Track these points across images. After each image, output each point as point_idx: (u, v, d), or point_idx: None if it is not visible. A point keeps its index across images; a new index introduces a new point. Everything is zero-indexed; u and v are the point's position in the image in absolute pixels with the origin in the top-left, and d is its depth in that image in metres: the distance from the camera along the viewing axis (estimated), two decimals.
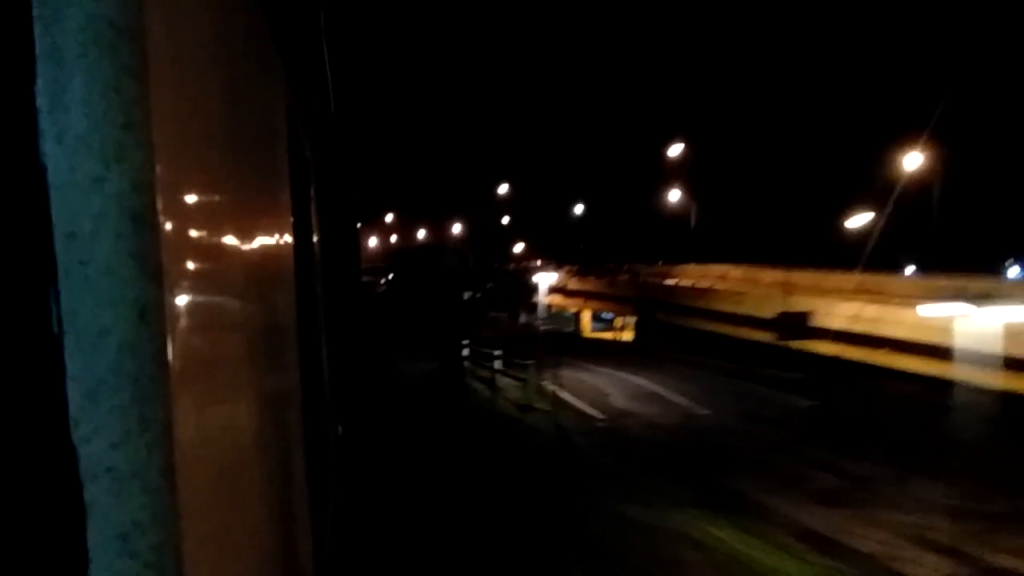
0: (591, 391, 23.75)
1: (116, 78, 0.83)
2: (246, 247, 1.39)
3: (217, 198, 1.16)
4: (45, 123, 0.82)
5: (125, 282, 0.84)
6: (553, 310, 54.16)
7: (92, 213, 0.82)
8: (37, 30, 0.82)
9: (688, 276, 43.24)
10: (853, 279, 29.88)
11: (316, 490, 2.88)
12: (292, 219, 2.52)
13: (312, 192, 3.90)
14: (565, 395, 22.22)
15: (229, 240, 1.23)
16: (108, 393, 0.84)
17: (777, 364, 28.13)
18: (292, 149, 2.60)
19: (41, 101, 0.82)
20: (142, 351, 0.85)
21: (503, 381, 25.07)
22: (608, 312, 55.08)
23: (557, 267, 51.42)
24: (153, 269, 0.85)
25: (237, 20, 1.48)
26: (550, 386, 22.80)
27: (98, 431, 0.84)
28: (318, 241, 4.17)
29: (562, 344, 35.61)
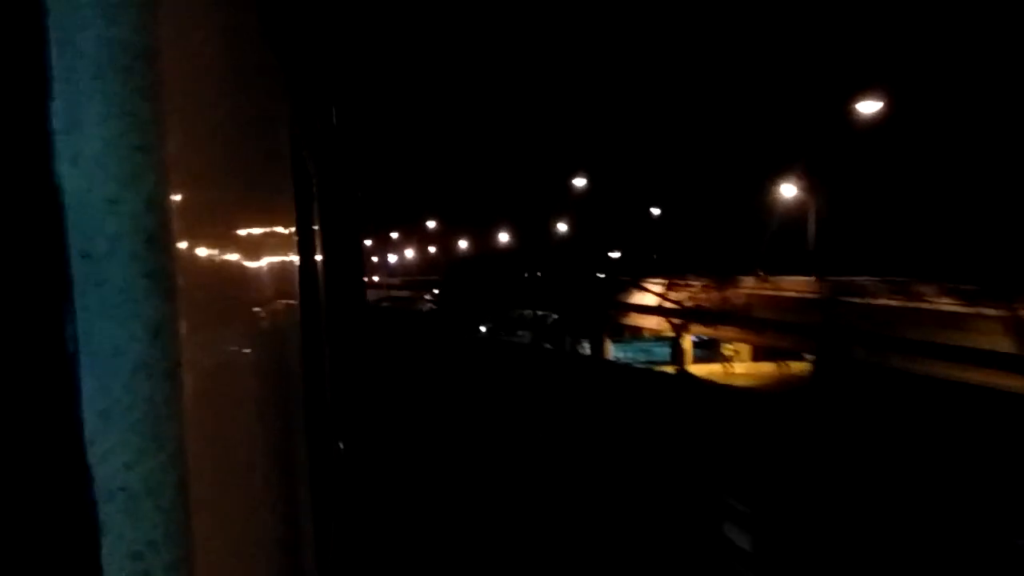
0: None
1: (131, 100, 0.84)
2: (254, 266, 1.40)
3: (226, 218, 1.17)
4: (61, 144, 0.83)
5: (139, 302, 0.84)
6: (646, 334, 43.43)
7: (107, 234, 0.83)
8: (53, 52, 0.83)
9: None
10: None
11: (319, 507, 2.87)
12: (296, 237, 2.53)
13: (315, 208, 3.91)
14: None
15: (238, 259, 1.23)
16: (122, 413, 0.84)
17: None
18: (295, 165, 2.62)
19: (56, 123, 0.83)
20: (156, 370, 0.85)
21: None
22: (720, 340, 40.63)
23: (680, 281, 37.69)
24: (167, 289, 0.86)
25: (242, 38, 1.50)
26: None
27: (112, 451, 0.84)
28: (322, 258, 4.18)
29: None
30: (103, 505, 0.84)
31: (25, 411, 0.84)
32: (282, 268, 1.96)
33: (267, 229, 1.71)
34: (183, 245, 0.91)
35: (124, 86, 0.84)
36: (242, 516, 1.14)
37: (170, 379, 0.86)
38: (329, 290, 4.95)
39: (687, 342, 42.21)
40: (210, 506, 0.96)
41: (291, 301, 2.19)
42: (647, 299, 39.74)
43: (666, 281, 38.10)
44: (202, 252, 1.01)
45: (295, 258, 2.43)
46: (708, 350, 44.30)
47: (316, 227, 4.00)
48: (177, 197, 0.89)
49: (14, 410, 0.84)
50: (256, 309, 1.39)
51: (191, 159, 0.98)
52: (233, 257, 1.20)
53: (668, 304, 36.16)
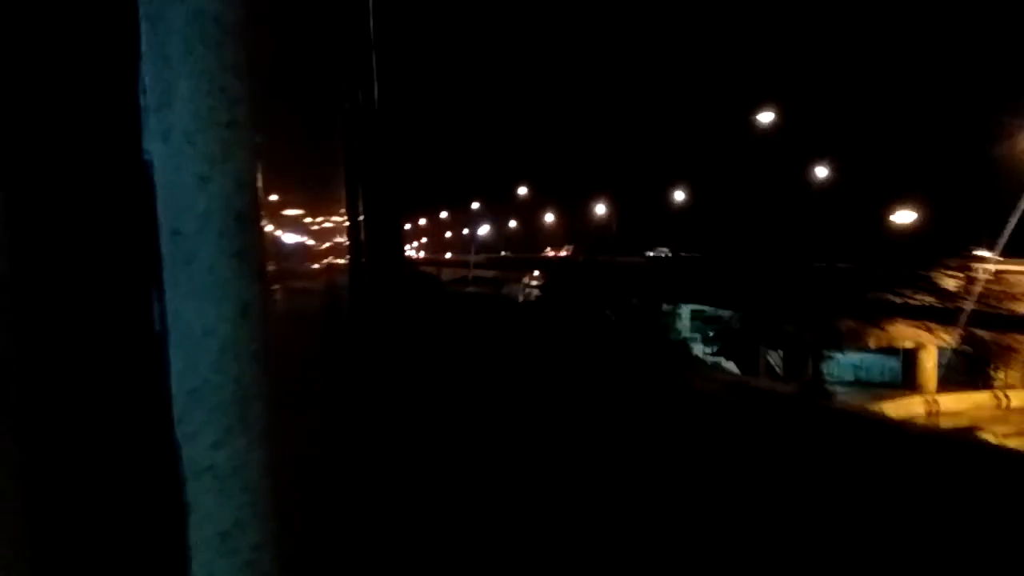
0: None
1: (222, 76, 0.83)
2: (323, 244, 1.40)
3: (303, 197, 1.16)
4: (151, 121, 0.82)
5: (228, 281, 0.84)
6: (874, 344, 27.06)
7: (197, 212, 0.82)
8: (143, 28, 0.82)
9: None
10: None
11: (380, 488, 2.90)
12: (347, 217, 2.53)
13: (359, 186, 3.92)
14: None
15: (313, 237, 1.23)
16: (210, 392, 0.83)
17: None
18: (347, 144, 2.61)
19: (147, 99, 0.82)
20: (244, 350, 0.84)
21: None
22: None
23: None
24: (255, 268, 0.85)
25: (312, 15, 1.48)
26: None
27: (200, 429, 0.84)
28: (365, 235, 4.20)
29: None
30: (191, 483, 0.84)
31: (115, 388, 0.84)
32: (342, 249, 1.96)
33: (328, 209, 1.71)
34: (270, 224, 0.90)
35: (214, 62, 0.83)
36: (323, 496, 1.14)
37: (257, 360, 0.86)
38: (371, 271, 4.96)
39: (930, 356, 26.84)
40: (295, 485, 0.95)
41: (345, 281, 2.20)
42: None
43: None
44: (287, 231, 1.00)
45: (347, 240, 2.43)
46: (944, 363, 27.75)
47: (361, 207, 4.00)
48: (265, 175, 0.88)
49: (104, 387, 0.84)
50: (325, 287, 1.39)
51: (276, 137, 0.97)
52: (307, 236, 1.20)
53: None
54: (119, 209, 0.83)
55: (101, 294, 0.84)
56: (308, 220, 1.32)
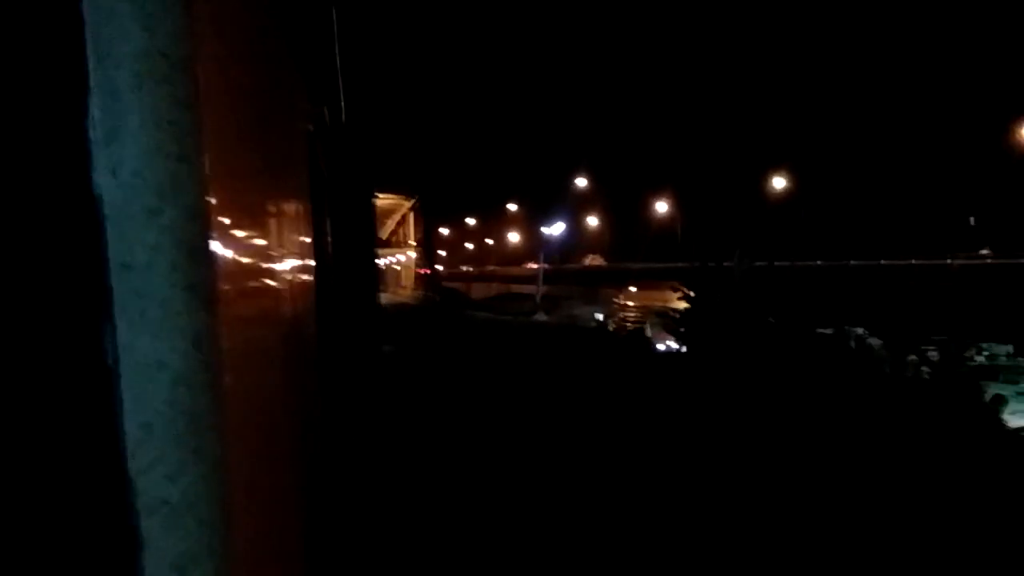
0: None
1: (171, 110, 0.83)
2: (283, 273, 1.40)
3: (257, 227, 1.16)
4: (100, 155, 0.82)
5: (180, 314, 0.84)
6: None
7: (147, 245, 0.82)
8: (91, 63, 0.82)
9: None
10: None
11: (345, 512, 2.87)
12: (313, 242, 2.53)
13: (327, 208, 3.91)
14: None
15: (270, 268, 1.23)
16: (164, 425, 0.83)
17: None
18: (311, 168, 2.62)
19: (95, 134, 0.82)
20: (196, 383, 0.84)
21: None
22: None
23: None
24: (207, 300, 0.85)
25: (266, 44, 1.49)
26: None
27: (154, 463, 0.83)
28: (333, 254, 4.18)
29: None
30: (145, 518, 0.83)
31: (66, 423, 0.83)
32: (303, 276, 1.96)
33: (291, 237, 1.71)
34: (222, 255, 0.90)
35: (163, 96, 0.83)
36: (280, 527, 1.13)
37: (211, 391, 0.85)
38: (341, 290, 4.94)
39: None
40: (250, 518, 0.95)
41: (311, 308, 2.19)
42: None
43: None
44: (239, 262, 1.00)
45: (312, 264, 2.43)
46: None
47: (328, 228, 4.00)
48: (216, 207, 0.88)
49: (55, 422, 0.83)
50: (286, 319, 1.39)
51: (228, 169, 0.97)
52: (264, 266, 1.20)
53: None
54: (68, 243, 0.83)
55: (50, 328, 0.83)
56: (271, 250, 1.32)
